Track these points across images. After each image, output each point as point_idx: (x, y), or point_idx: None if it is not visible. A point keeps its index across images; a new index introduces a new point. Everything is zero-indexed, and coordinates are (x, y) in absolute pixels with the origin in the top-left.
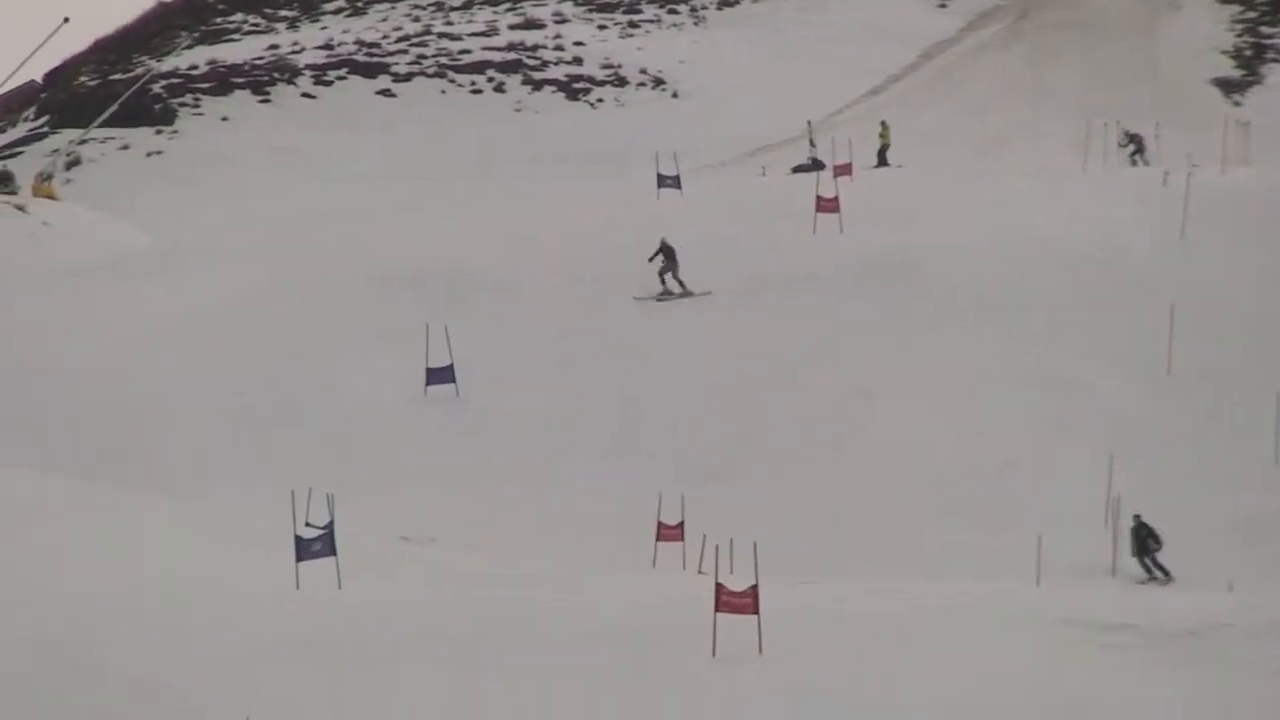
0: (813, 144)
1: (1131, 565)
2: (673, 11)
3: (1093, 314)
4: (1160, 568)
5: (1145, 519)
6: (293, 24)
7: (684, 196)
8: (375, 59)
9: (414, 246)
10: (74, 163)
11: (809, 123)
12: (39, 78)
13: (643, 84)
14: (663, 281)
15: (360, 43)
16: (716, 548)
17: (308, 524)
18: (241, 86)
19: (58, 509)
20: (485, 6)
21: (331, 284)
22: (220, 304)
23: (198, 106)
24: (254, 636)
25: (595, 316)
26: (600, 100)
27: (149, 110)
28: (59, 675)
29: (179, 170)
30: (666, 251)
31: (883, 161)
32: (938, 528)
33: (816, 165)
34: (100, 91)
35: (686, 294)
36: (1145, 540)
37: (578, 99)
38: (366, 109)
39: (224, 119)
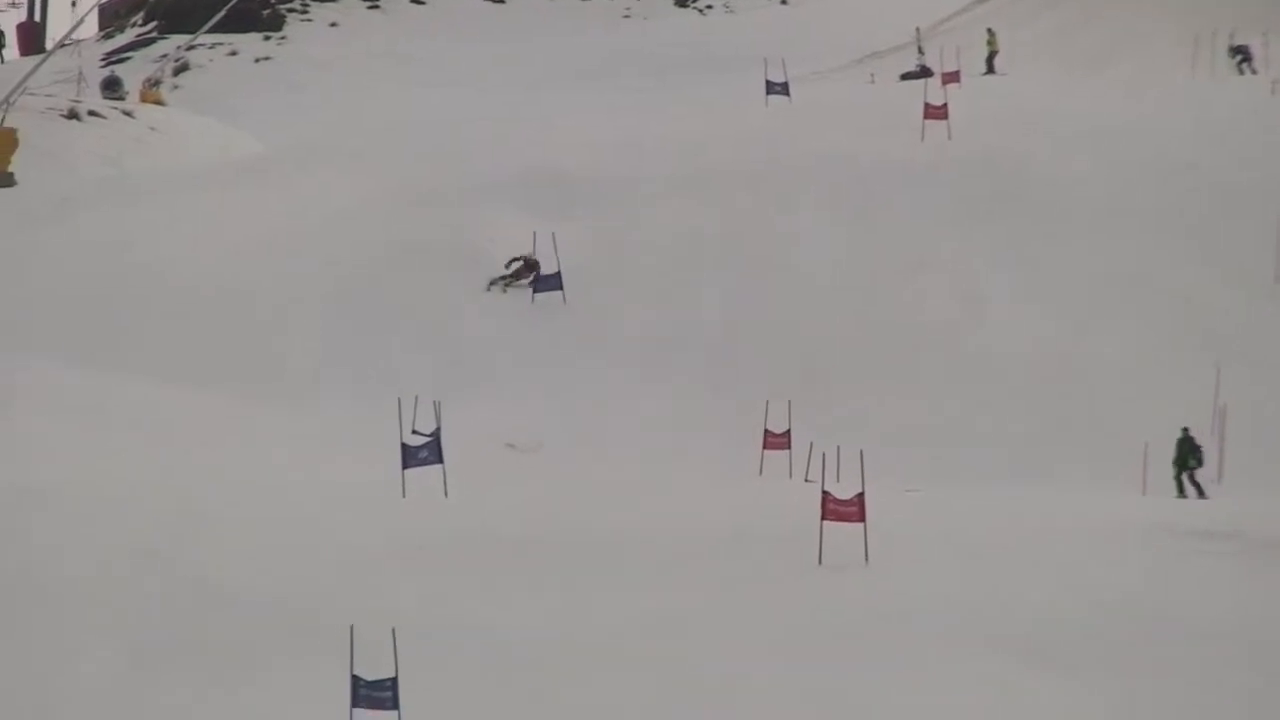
0: (921, 51)
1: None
2: None
3: (1200, 222)
4: (1196, 485)
5: (1192, 434)
6: None
7: (793, 103)
8: None
9: (521, 153)
10: (182, 68)
11: (917, 30)
12: None
13: None
14: None
15: None
16: (824, 455)
17: (415, 431)
18: None
19: (159, 416)
20: None
21: (439, 190)
22: (328, 210)
23: (305, 12)
24: (360, 545)
25: (705, 222)
26: (709, 7)
27: (257, 16)
28: (163, 583)
29: (287, 76)
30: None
31: (990, 69)
32: (1046, 436)
33: (925, 72)
34: None
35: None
36: (1187, 456)
37: (686, 5)
38: (474, 16)
39: (332, 25)
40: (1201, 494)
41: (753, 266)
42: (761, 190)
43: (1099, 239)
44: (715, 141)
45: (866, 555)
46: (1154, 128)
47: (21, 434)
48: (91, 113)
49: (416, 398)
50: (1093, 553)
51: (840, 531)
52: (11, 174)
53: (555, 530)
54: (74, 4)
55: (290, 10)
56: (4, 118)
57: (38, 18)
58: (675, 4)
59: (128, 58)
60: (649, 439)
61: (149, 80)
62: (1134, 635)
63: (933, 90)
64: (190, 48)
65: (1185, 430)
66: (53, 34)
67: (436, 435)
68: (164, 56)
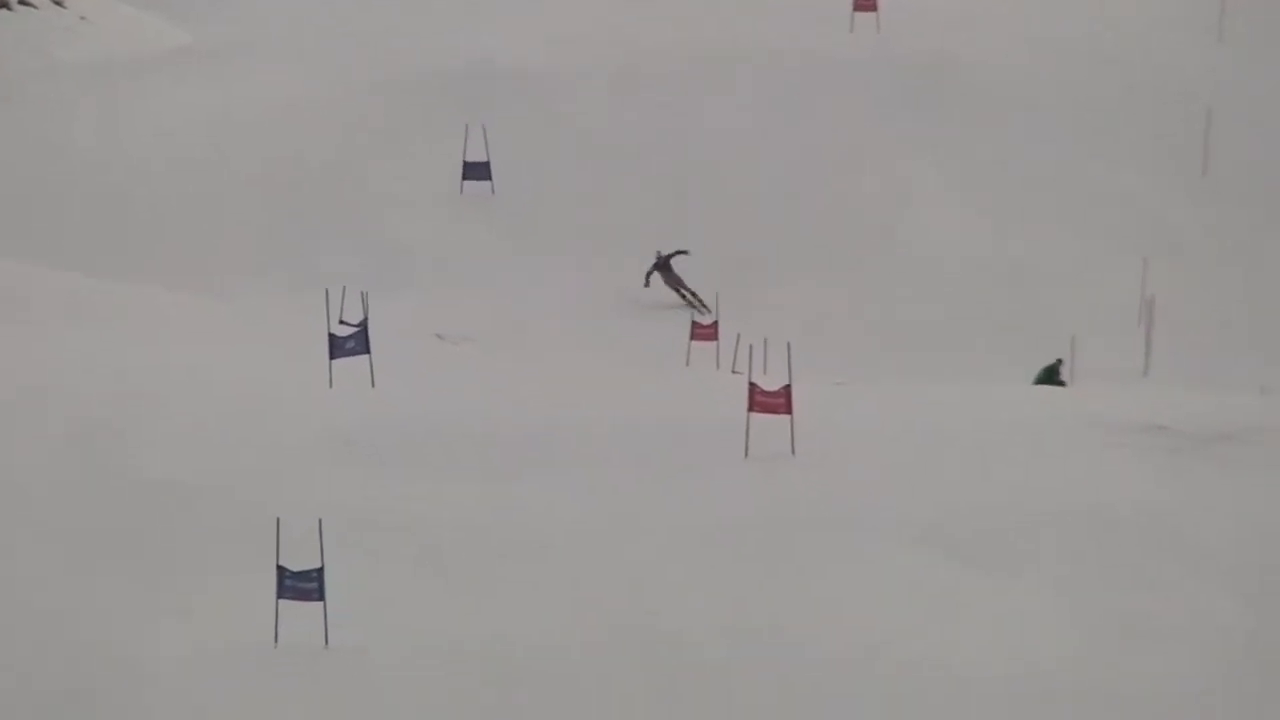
0: None
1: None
2: None
3: (1129, 117)
4: None
5: (1060, 367)
6: None
7: None
8: None
9: (452, 46)
10: None
11: None
12: None
13: None
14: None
15: None
16: (750, 347)
17: (342, 321)
18: None
19: (86, 308)
20: None
21: (369, 83)
22: (258, 102)
23: None
24: (286, 435)
25: (630, 115)
26: None
27: None
28: (88, 476)
29: None
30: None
31: None
32: (972, 330)
33: None
34: None
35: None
36: (1047, 382)
37: None
38: None
39: None
40: None
41: (682, 159)
42: (690, 83)
43: (1028, 134)
44: (645, 34)
45: (793, 448)
46: (1085, 23)
47: None
48: (22, 1)
49: (344, 289)
50: (1019, 448)
51: (767, 423)
52: None
53: (482, 421)
54: None
55: None
56: None
57: None
58: None
59: None
60: (577, 331)
61: None
62: (1064, 530)
63: None
64: None
65: (1058, 361)
66: None
67: (364, 326)
68: None
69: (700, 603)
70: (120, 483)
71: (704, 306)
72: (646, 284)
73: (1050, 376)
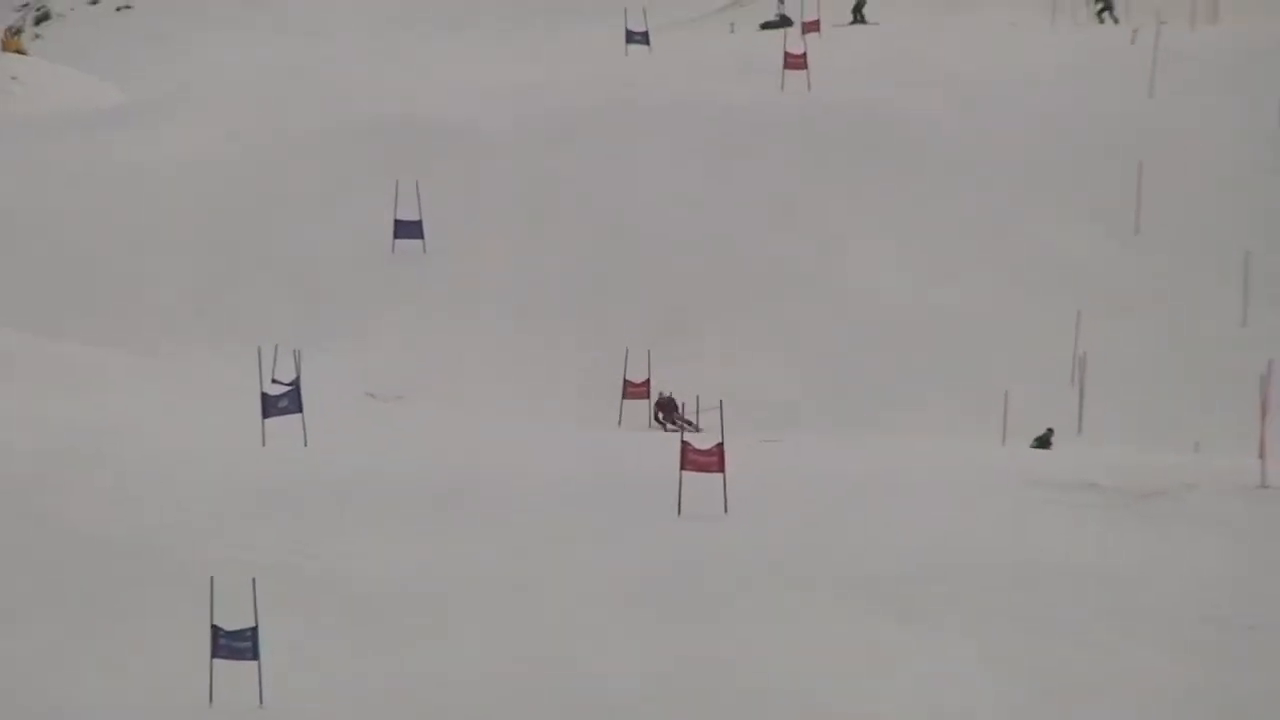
0: (781, 1)
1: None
2: None
3: (1061, 172)
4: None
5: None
6: None
7: (652, 52)
8: None
9: (383, 100)
10: (43, 18)
11: None
12: None
13: None
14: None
15: None
16: (683, 405)
17: (274, 380)
18: None
19: (20, 362)
20: None
21: (301, 138)
22: (188, 158)
23: None
24: (219, 493)
25: (565, 170)
26: None
27: None
28: (19, 530)
29: (148, 25)
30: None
31: (859, 18)
32: (904, 383)
33: (785, 21)
34: None
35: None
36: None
37: None
38: None
39: None
40: None
41: (613, 214)
42: (621, 138)
43: (960, 187)
44: (576, 89)
45: (726, 505)
46: (1015, 76)
47: None
48: None
49: (276, 347)
50: (952, 503)
51: (700, 481)
52: None
53: (414, 480)
54: None
55: None
56: None
57: None
58: None
59: None
60: (508, 389)
61: (10, 29)
62: (995, 585)
63: (793, 39)
64: None
65: (1049, 431)
66: None
67: (296, 384)
68: (25, 5)
69: (626, 655)
70: (51, 538)
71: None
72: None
73: (1043, 445)
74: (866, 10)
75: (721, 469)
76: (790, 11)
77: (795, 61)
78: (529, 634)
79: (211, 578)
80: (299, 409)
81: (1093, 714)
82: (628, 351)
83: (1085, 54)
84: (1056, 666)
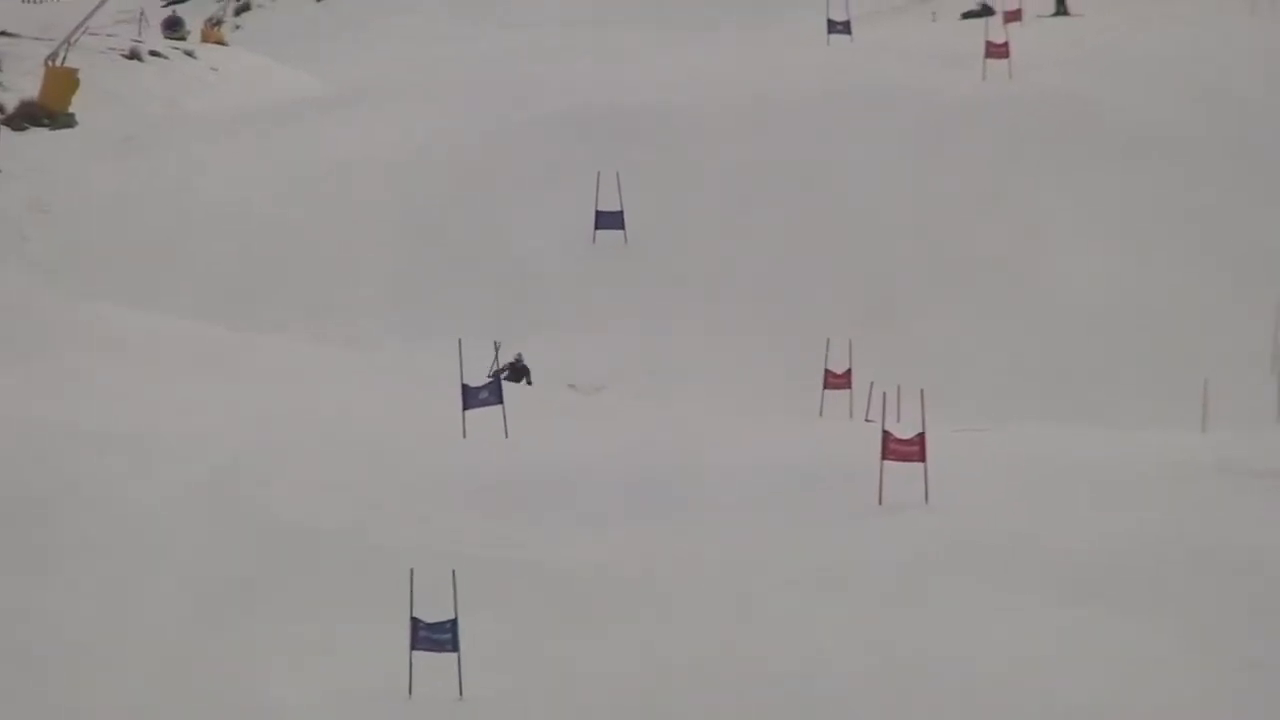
0: None
1: None
2: None
3: (1262, 158)
4: None
5: None
6: None
7: (854, 41)
8: None
9: (584, 90)
10: (244, 8)
11: None
12: None
13: None
14: None
15: None
16: (884, 395)
17: (495, 372)
18: None
19: (224, 356)
20: None
21: (502, 129)
22: (390, 149)
23: None
24: (421, 486)
25: (766, 160)
26: None
27: None
28: (224, 523)
29: (349, 14)
30: None
31: (1061, 9)
32: (1105, 373)
33: (986, 10)
34: None
35: None
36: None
37: None
38: None
39: None
40: None
41: (814, 204)
42: (823, 127)
43: (1162, 175)
44: (777, 78)
45: (927, 495)
46: (1216, 65)
47: (85, 377)
48: (153, 53)
49: (497, 344)
50: (1154, 492)
51: (901, 471)
52: (73, 114)
53: (615, 470)
54: None
55: None
56: (65, 57)
57: None
58: None
59: None
60: (710, 380)
61: (210, 20)
62: (1198, 577)
63: (994, 28)
64: None
65: None
66: None
67: (497, 376)
68: None
69: (836, 655)
70: (256, 530)
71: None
72: None
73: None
74: (1070, 2)
75: (923, 458)
76: (992, 1)
77: (997, 50)
78: (731, 623)
79: (411, 569)
80: (500, 400)
81: None
82: (829, 341)
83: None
84: (1260, 653)
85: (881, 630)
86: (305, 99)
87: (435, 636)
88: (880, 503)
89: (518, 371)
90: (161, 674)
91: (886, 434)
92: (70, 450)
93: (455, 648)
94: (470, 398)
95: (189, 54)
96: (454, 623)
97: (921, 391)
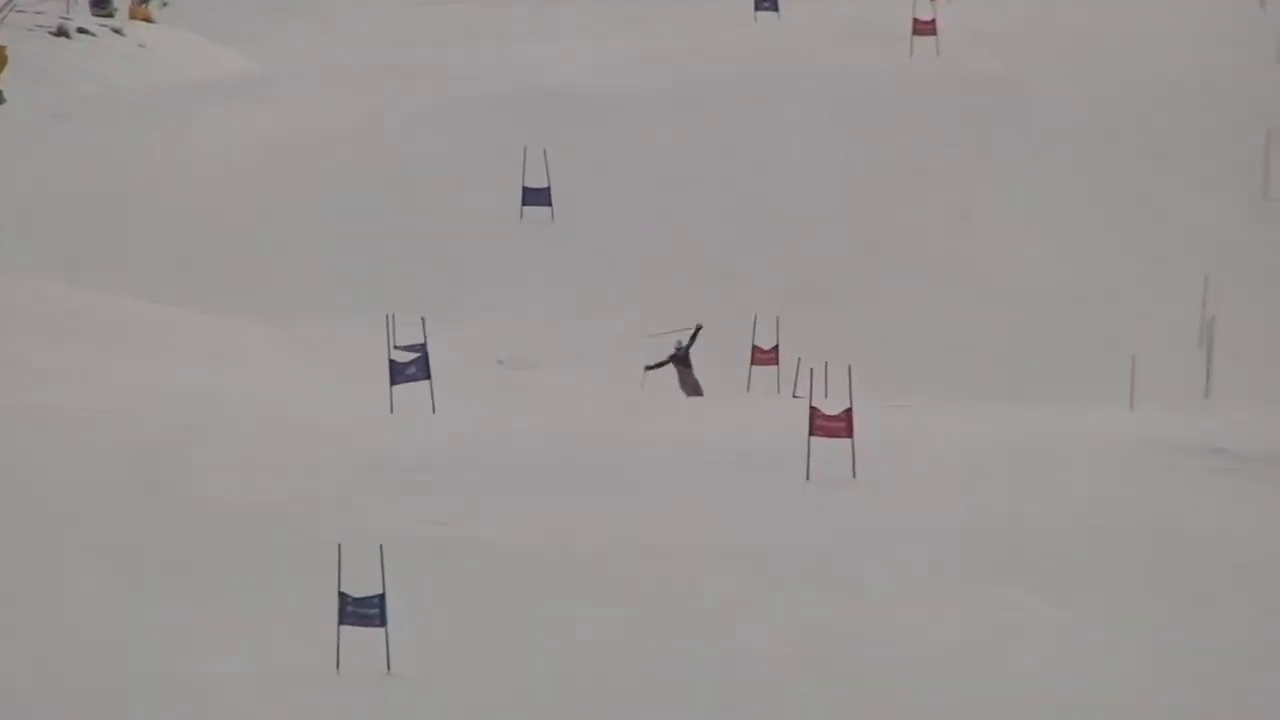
0: None
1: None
2: None
3: (1188, 139)
4: None
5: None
6: None
7: (781, 19)
8: None
9: (513, 70)
10: None
11: None
12: None
13: None
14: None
15: None
16: (811, 371)
17: (398, 347)
18: None
19: (150, 335)
20: None
21: (428, 107)
22: (317, 128)
23: None
24: (348, 462)
25: (694, 138)
26: None
27: None
28: (149, 500)
29: None
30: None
31: None
32: (1032, 351)
33: None
34: None
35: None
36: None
37: None
38: None
39: None
40: None
41: (742, 182)
42: (750, 105)
43: (1088, 155)
44: (704, 56)
45: (854, 471)
46: (1143, 43)
47: (12, 352)
48: (81, 30)
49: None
50: (1081, 470)
51: (828, 447)
52: (0, 91)
53: (544, 447)
54: None
55: None
56: None
57: None
58: None
59: None
60: (638, 357)
61: None
62: (1126, 553)
63: (922, 6)
64: None
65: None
66: None
67: (424, 351)
68: None
69: (762, 624)
70: (180, 506)
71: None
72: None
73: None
74: None
75: (850, 434)
76: None
77: (924, 28)
78: (659, 600)
79: (339, 545)
80: (427, 376)
81: (1226, 680)
82: (756, 318)
83: (1214, 20)
84: (1187, 634)
85: (809, 609)
86: (233, 77)
87: (363, 611)
88: (807, 479)
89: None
90: (86, 652)
91: (814, 410)
92: None
93: (383, 622)
94: (397, 373)
95: (117, 31)
96: (382, 597)
97: (849, 368)
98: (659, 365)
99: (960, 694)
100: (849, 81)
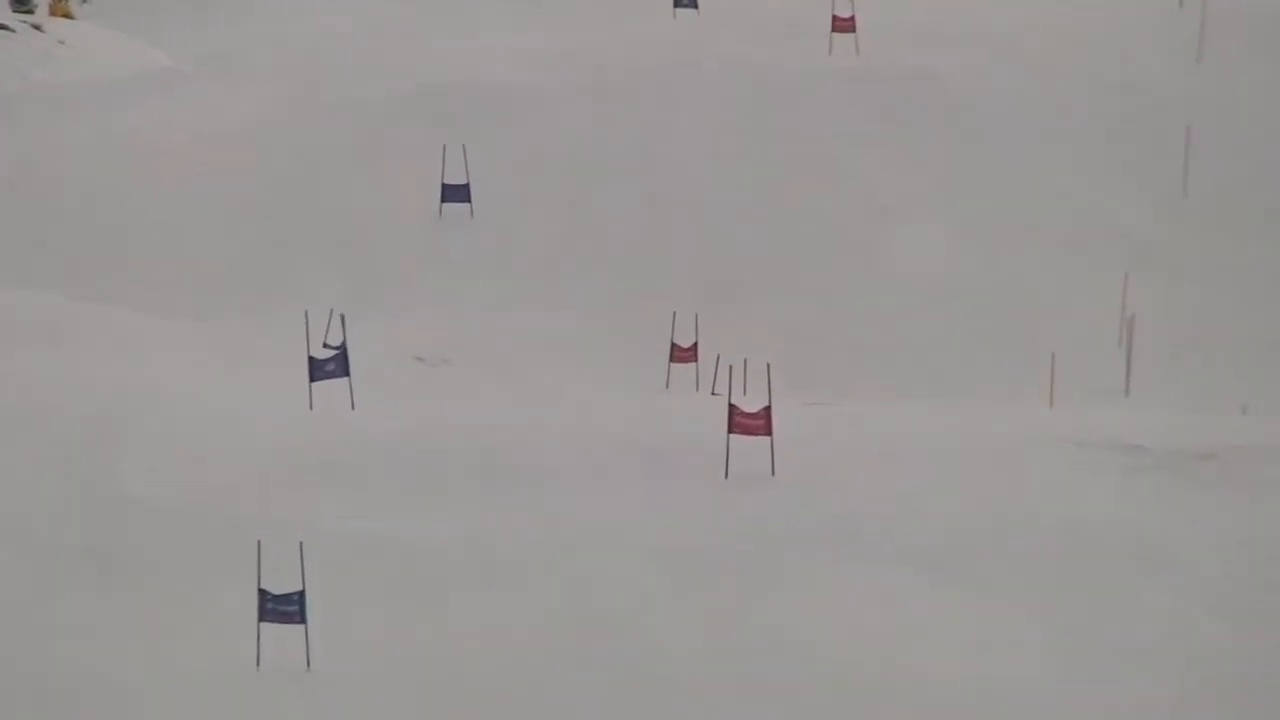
0: None
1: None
2: None
3: (1109, 136)
4: None
5: None
6: None
7: (699, 14)
8: None
9: (430, 65)
10: None
11: None
12: None
13: None
14: None
15: None
16: (730, 369)
17: (325, 344)
18: None
19: (66, 331)
20: None
21: (346, 103)
22: (237, 123)
23: None
24: (266, 458)
25: (611, 134)
26: None
27: None
28: (66, 495)
29: None
30: None
31: None
32: (951, 348)
33: None
34: None
35: None
36: None
37: None
38: None
39: None
40: None
41: (660, 177)
42: (667, 102)
43: (1007, 151)
44: (621, 52)
45: (773, 468)
46: (1063, 40)
47: None
48: (0, 26)
49: (331, 311)
50: (1000, 466)
51: (747, 444)
52: None
53: (461, 444)
54: None
55: None
56: None
57: None
58: None
59: None
60: (556, 353)
61: None
62: (1042, 549)
63: (840, 2)
64: None
65: None
66: None
67: (343, 348)
68: None
69: (676, 621)
70: (99, 503)
71: None
72: None
73: None
74: None
75: (769, 432)
76: None
77: (843, 24)
78: (576, 597)
79: (259, 542)
80: (346, 373)
81: (1141, 676)
82: (675, 315)
83: (1133, 18)
84: (1104, 629)
85: (724, 606)
86: (152, 73)
87: (282, 608)
88: (726, 476)
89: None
90: (5, 646)
91: (733, 407)
92: None
93: (303, 619)
94: (316, 370)
95: (36, 27)
96: (301, 594)
97: (768, 365)
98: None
99: (872, 688)
100: (767, 77)
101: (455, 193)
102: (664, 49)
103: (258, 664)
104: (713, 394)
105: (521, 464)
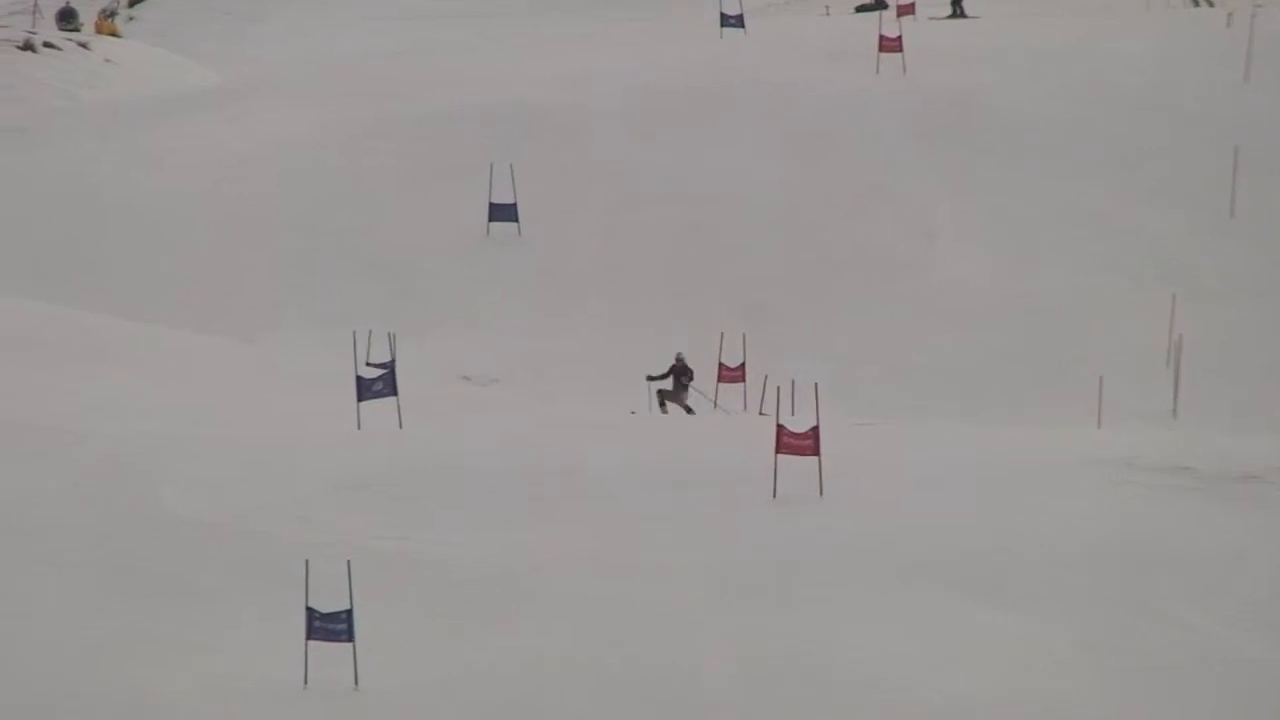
0: None
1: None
2: None
3: (1156, 157)
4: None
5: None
6: None
7: (747, 35)
8: None
9: (477, 84)
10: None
11: None
12: None
13: None
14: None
15: None
16: (778, 389)
17: (369, 364)
18: None
19: (116, 350)
20: None
21: (394, 122)
22: (285, 142)
23: None
24: (315, 477)
25: (659, 154)
26: None
27: None
28: (116, 518)
29: (245, 7)
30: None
31: (958, 11)
32: (998, 370)
33: (880, 4)
34: None
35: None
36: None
37: None
38: None
39: None
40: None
41: (707, 198)
42: (714, 121)
43: (1054, 172)
44: (669, 73)
45: (821, 489)
46: (1110, 60)
47: None
48: (47, 44)
49: (370, 331)
50: (1047, 488)
51: (795, 465)
52: None
53: (509, 463)
54: None
55: None
56: None
57: None
58: None
59: None
60: (604, 373)
61: (104, 11)
62: (1090, 571)
63: (888, 22)
64: None
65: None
66: None
67: (391, 368)
68: None
69: (724, 643)
70: (149, 522)
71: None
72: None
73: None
74: (966, 4)
75: (817, 452)
76: None
77: (890, 45)
78: (620, 619)
79: (306, 560)
80: (394, 392)
81: (1182, 697)
82: (723, 336)
83: (1180, 39)
84: (1147, 650)
85: (770, 627)
86: (198, 91)
87: (330, 626)
88: (774, 497)
89: (679, 372)
90: (59, 665)
91: (780, 428)
92: None
93: (351, 638)
94: (364, 389)
95: (83, 45)
96: (349, 613)
97: (816, 385)
98: (661, 377)
99: (920, 709)
100: (814, 97)
101: (503, 212)
102: (710, 70)
103: (306, 682)
104: (760, 414)
105: (568, 484)
